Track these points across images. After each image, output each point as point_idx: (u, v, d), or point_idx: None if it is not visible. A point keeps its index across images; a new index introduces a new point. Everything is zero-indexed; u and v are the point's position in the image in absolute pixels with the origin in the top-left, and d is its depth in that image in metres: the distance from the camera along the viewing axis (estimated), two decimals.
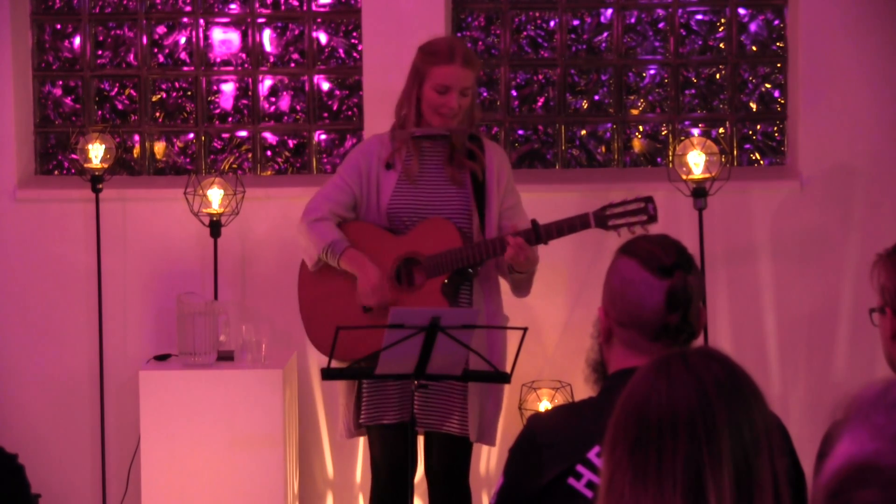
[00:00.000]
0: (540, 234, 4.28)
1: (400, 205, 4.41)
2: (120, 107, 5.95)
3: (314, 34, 5.86)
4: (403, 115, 4.46)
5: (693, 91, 5.84)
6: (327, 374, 4.16)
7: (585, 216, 4.31)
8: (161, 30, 5.93)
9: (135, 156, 5.92)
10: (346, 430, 4.50)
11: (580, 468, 2.50)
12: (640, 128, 5.87)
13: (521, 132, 5.91)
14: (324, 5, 5.88)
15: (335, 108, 5.90)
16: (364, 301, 4.36)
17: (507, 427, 5.51)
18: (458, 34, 5.80)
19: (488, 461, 5.59)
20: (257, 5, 5.86)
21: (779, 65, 5.78)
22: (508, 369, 4.18)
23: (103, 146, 5.57)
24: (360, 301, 4.37)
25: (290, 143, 5.94)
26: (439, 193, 4.42)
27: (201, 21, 5.88)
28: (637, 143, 5.88)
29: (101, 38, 5.94)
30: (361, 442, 5.44)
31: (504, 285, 4.54)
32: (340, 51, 5.89)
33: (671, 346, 2.57)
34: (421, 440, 4.44)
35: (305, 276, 4.55)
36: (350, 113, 5.86)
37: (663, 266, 2.59)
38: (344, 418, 4.51)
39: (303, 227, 4.43)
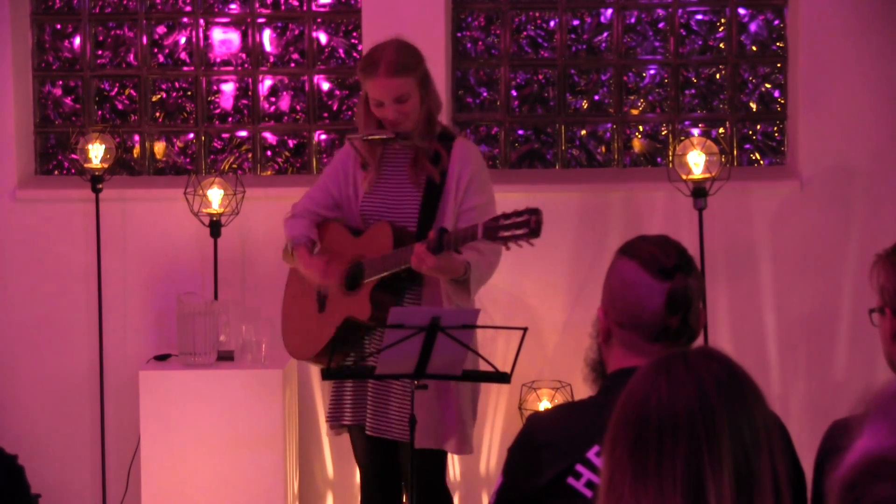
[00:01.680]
0: (441, 242, 4.10)
1: (369, 206, 4.44)
2: (120, 107, 5.95)
3: (314, 34, 5.86)
4: (356, 120, 4.50)
5: (693, 91, 5.84)
6: (327, 373, 4.18)
7: (474, 227, 4.07)
8: (161, 30, 5.93)
9: (135, 156, 5.92)
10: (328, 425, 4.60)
11: (579, 468, 2.50)
12: (640, 128, 5.87)
13: (521, 132, 5.91)
14: (324, 5, 5.88)
15: (335, 108, 5.90)
16: (323, 287, 4.45)
17: (507, 427, 5.51)
18: (458, 34, 5.81)
19: (488, 461, 5.59)
20: (257, 5, 5.86)
21: (779, 65, 5.78)
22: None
23: (103, 146, 5.57)
24: (321, 288, 4.47)
25: (290, 143, 5.94)
26: (397, 196, 4.41)
27: (201, 21, 5.88)
28: (637, 143, 5.88)
29: (101, 38, 5.94)
30: None
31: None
32: (340, 51, 5.89)
33: (671, 347, 2.56)
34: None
35: (289, 277, 4.68)
36: (350, 113, 5.86)
37: (664, 268, 2.59)
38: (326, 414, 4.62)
39: (284, 222, 4.56)
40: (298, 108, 5.90)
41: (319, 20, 5.87)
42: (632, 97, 5.85)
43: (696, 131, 5.76)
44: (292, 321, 4.62)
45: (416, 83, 4.34)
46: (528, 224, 3.98)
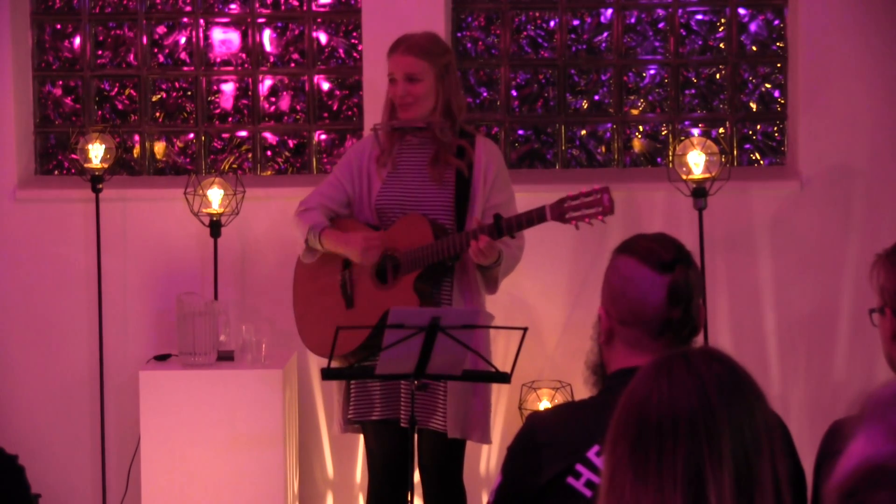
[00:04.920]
0: (501, 227, 4.23)
1: (386, 200, 4.46)
2: (120, 107, 5.95)
3: (314, 34, 5.86)
4: (382, 112, 4.58)
5: (693, 91, 5.84)
6: (327, 374, 4.18)
7: (542, 209, 4.23)
8: (161, 30, 5.93)
9: (135, 156, 5.92)
10: (339, 425, 4.57)
11: (579, 467, 2.49)
12: (640, 128, 5.87)
13: (521, 132, 5.91)
14: (324, 5, 5.88)
15: (335, 108, 5.90)
16: (365, 262, 4.39)
17: (508, 427, 5.51)
18: (458, 34, 5.81)
19: (488, 461, 5.58)
20: (257, 5, 5.86)
21: (779, 65, 5.78)
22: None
23: (103, 146, 5.57)
24: (362, 263, 4.41)
25: (290, 143, 5.94)
26: (422, 190, 4.45)
27: (201, 21, 5.88)
28: (637, 143, 5.88)
29: (101, 38, 5.94)
30: (361, 441, 5.44)
31: None
32: (340, 51, 5.89)
33: (674, 341, 2.57)
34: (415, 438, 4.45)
35: (297, 274, 4.66)
36: (350, 113, 5.86)
37: (663, 262, 2.60)
38: (337, 413, 4.58)
39: (293, 219, 4.55)
40: (298, 108, 5.90)
41: (319, 20, 5.87)
42: (632, 97, 5.85)
43: (696, 131, 5.76)
44: (313, 319, 4.58)
45: (432, 70, 4.45)
46: (601, 203, 4.14)
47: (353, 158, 4.55)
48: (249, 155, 5.91)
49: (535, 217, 4.22)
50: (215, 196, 5.46)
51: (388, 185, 4.47)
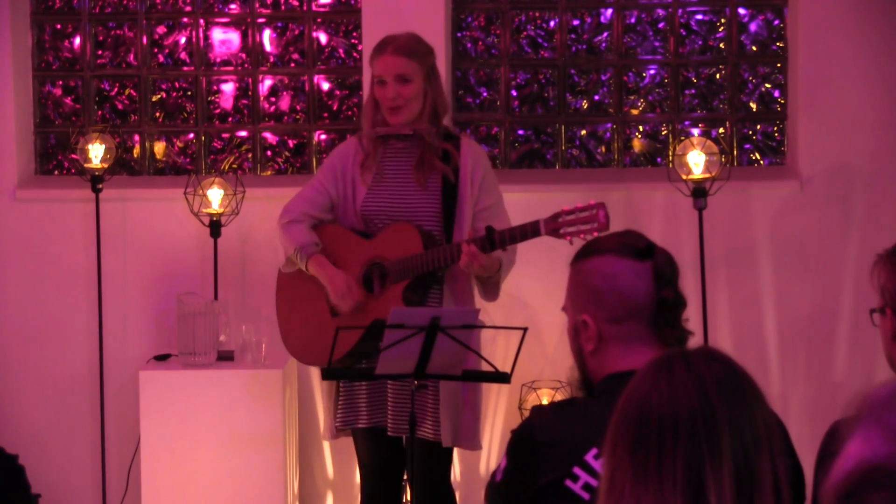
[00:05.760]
0: (494, 240, 4.17)
1: (372, 207, 4.39)
2: (120, 107, 5.95)
3: (314, 34, 5.87)
4: (365, 116, 4.48)
5: (693, 91, 5.84)
6: (328, 373, 4.17)
7: (536, 224, 4.17)
8: (161, 30, 5.93)
9: (135, 156, 5.92)
10: (328, 432, 4.51)
11: (577, 470, 2.49)
12: (640, 128, 5.87)
13: (521, 132, 5.91)
14: (324, 5, 5.88)
15: (335, 108, 5.90)
16: (337, 306, 4.36)
17: (507, 427, 5.51)
18: (458, 34, 5.81)
19: (488, 461, 5.58)
20: (257, 5, 5.87)
21: (779, 65, 5.78)
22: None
23: (103, 146, 5.57)
24: (335, 306, 4.38)
25: (290, 143, 5.94)
26: (409, 196, 4.38)
27: (201, 21, 5.88)
28: (637, 143, 5.88)
29: (101, 38, 5.94)
30: None
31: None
32: (340, 51, 5.89)
33: (669, 324, 2.56)
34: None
35: (280, 280, 4.58)
36: (350, 113, 5.86)
37: (639, 249, 2.60)
38: (326, 420, 4.53)
39: (278, 229, 4.45)
40: (298, 108, 5.90)
41: (319, 20, 5.87)
42: (632, 97, 5.85)
43: (696, 131, 5.76)
44: (297, 326, 4.52)
45: (421, 71, 4.37)
46: (597, 219, 4.10)
47: (337, 163, 4.46)
48: (249, 155, 5.92)
49: (528, 231, 4.16)
50: (215, 196, 5.46)
51: (373, 192, 4.39)
